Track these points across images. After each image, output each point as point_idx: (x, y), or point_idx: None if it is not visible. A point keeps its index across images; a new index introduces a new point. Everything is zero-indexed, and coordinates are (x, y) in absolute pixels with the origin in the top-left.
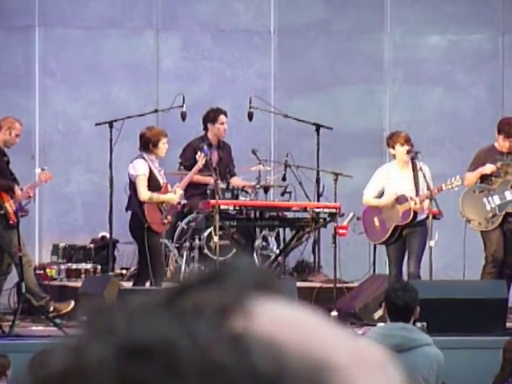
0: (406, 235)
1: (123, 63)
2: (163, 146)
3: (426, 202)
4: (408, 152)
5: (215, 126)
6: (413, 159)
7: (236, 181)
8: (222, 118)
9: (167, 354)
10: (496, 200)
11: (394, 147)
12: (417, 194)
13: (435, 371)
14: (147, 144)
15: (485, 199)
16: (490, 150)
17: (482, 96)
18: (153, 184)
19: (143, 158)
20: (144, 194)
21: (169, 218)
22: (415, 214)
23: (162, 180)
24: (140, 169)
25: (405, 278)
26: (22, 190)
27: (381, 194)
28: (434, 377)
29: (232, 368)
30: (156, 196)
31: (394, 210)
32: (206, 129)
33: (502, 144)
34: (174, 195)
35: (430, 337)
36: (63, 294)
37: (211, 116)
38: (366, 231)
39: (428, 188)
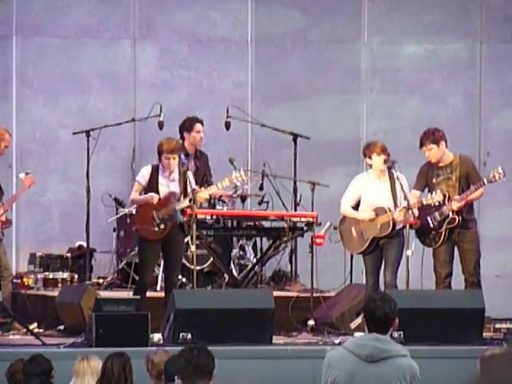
0: (382, 245)
1: (100, 72)
2: (165, 161)
3: (401, 216)
4: (385, 162)
5: (191, 134)
6: (390, 169)
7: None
8: (197, 126)
9: None
10: (437, 217)
11: (370, 157)
12: (394, 203)
13: (408, 382)
14: (157, 154)
15: (428, 218)
16: (431, 165)
17: (459, 105)
18: (149, 191)
19: (152, 165)
20: (130, 196)
21: (162, 226)
22: (394, 225)
23: (165, 190)
24: (139, 174)
25: (381, 287)
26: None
27: (358, 203)
28: None
29: None
30: (137, 197)
31: (372, 222)
32: (182, 138)
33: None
34: (152, 194)
35: (405, 348)
36: (40, 303)
37: (187, 125)
38: (343, 241)
39: (405, 198)
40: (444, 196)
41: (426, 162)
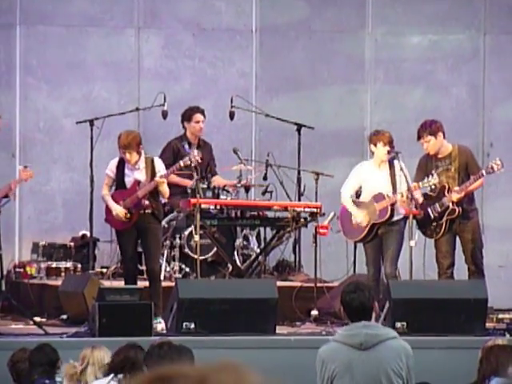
0: (381, 234)
1: (104, 61)
2: (123, 154)
3: (405, 201)
4: (388, 153)
5: (191, 124)
6: (393, 159)
7: (217, 180)
8: (197, 116)
9: None
10: (437, 208)
11: (375, 145)
12: (394, 191)
13: (405, 363)
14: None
15: (429, 209)
16: (430, 157)
17: (462, 96)
18: (117, 183)
19: (119, 157)
20: (102, 190)
21: (128, 216)
22: (392, 211)
23: (130, 180)
24: (108, 167)
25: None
26: None
27: (358, 192)
28: (405, 369)
29: None
30: (106, 199)
31: (371, 208)
32: (184, 127)
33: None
34: (119, 209)
35: (393, 330)
36: (43, 293)
37: (187, 115)
38: (344, 229)
39: (408, 189)
40: (444, 187)
41: (425, 154)
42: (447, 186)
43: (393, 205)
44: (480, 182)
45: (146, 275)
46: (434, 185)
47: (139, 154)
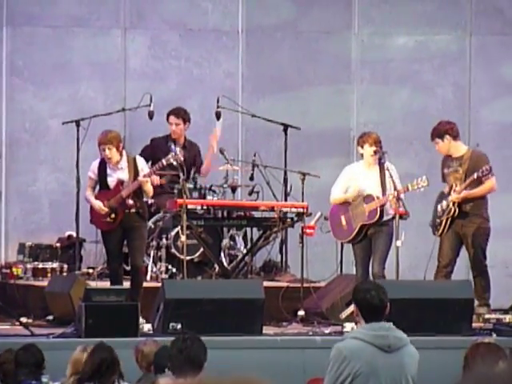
0: (371, 235)
1: (91, 62)
2: (102, 152)
3: (394, 202)
4: (375, 152)
5: (169, 126)
6: (380, 159)
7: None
8: (170, 118)
9: None
10: (444, 206)
11: (362, 146)
12: (383, 192)
13: (416, 369)
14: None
15: (438, 205)
16: (445, 158)
17: (449, 96)
18: (100, 183)
19: (101, 158)
20: (86, 192)
21: (112, 216)
22: (381, 213)
23: (113, 180)
24: (90, 169)
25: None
26: None
27: (347, 193)
28: (416, 375)
29: None
30: (89, 199)
31: (360, 209)
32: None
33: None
34: (99, 204)
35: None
36: (29, 293)
37: (166, 116)
38: (333, 230)
39: (395, 188)
40: (451, 186)
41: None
42: (452, 186)
43: (382, 206)
44: (486, 189)
45: (131, 270)
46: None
47: (121, 153)
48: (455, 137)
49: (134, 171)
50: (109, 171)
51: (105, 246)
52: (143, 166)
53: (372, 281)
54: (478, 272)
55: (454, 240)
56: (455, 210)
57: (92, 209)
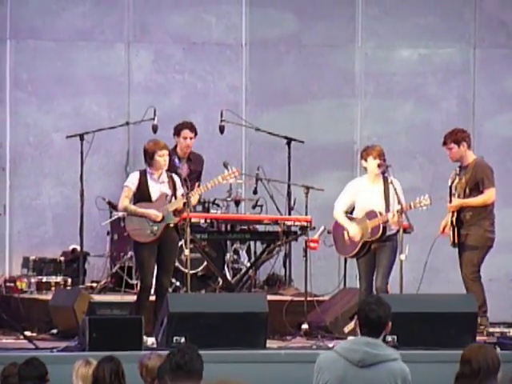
0: (374, 249)
1: (94, 76)
2: (160, 158)
3: (395, 220)
4: (378, 166)
5: (179, 139)
6: (384, 173)
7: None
8: (184, 132)
9: None
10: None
11: (366, 160)
12: (387, 207)
13: None
14: (145, 156)
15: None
16: (458, 167)
17: (453, 109)
18: (140, 195)
19: (139, 171)
20: (120, 203)
21: (155, 228)
22: (384, 229)
23: (156, 193)
24: (128, 180)
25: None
26: None
27: (351, 208)
28: None
29: None
30: (133, 208)
31: (363, 225)
32: (176, 141)
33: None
34: (154, 211)
35: (397, 352)
36: (33, 307)
37: (177, 129)
38: (336, 245)
39: (399, 202)
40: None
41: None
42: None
43: (385, 223)
44: (480, 198)
45: (156, 288)
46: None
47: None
48: (469, 146)
49: (173, 187)
50: (152, 183)
51: (139, 259)
52: (180, 184)
53: (378, 296)
54: (470, 282)
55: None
56: (453, 220)
57: (130, 219)
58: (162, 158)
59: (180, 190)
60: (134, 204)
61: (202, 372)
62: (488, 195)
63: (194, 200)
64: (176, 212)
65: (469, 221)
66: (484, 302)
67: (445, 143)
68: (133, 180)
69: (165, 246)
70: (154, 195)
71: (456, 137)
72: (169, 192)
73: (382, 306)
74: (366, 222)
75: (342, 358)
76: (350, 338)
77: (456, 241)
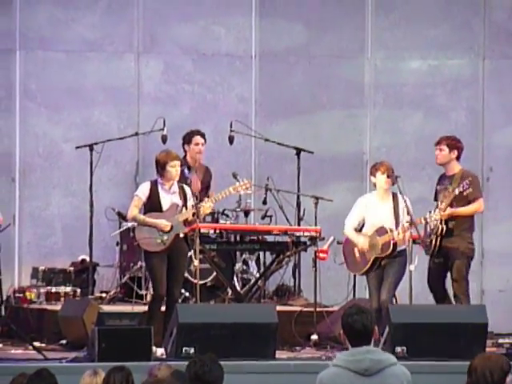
0: (384, 265)
1: (104, 86)
2: (171, 169)
3: (408, 234)
4: (388, 177)
5: (190, 146)
6: (393, 185)
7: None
8: (196, 138)
9: None
10: (432, 225)
11: (375, 175)
12: (396, 223)
13: None
14: (156, 167)
15: (427, 225)
16: (441, 176)
17: (462, 120)
18: (151, 206)
19: (151, 181)
20: (130, 212)
21: (165, 238)
22: (395, 246)
23: (167, 203)
24: (138, 189)
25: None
26: None
27: (361, 224)
28: None
29: None
30: (142, 218)
31: (373, 242)
32: (184, 151)
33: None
34: (163, 221)
35: (393, 356)
36: (42, 318)
37: (187, 137)
38: (347, 262)
39: (408, 213)
40: (429, 212)
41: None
42: (439, 204)
43: (394, 239)
44: (471, 208)
45: (167, 298)
46: (436, 220)
47: None
48: (459, 157)
49: (184, 198)
50: (163, 193)
51: (151, 269)
52: (190, 195)
53: (358, 305)
54: (455, 294)
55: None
56: (443, 228)
57: (140, 229)
58: (174, 168)
59: (191, 201)
60: (145, 214)
61: (221, 382)
62: (479, 205)
63: (206, 210)
64: (186, 222)
65: (451, 230)
66: None
67: (438, 143)
68: (143, 190)
69: (174, 257)
70: (165, 205)
71: (451, 142)
72: (180, 202)
73: (364, 314)
74: (377, 238)
75: (346, 370)
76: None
77: (434, 251)
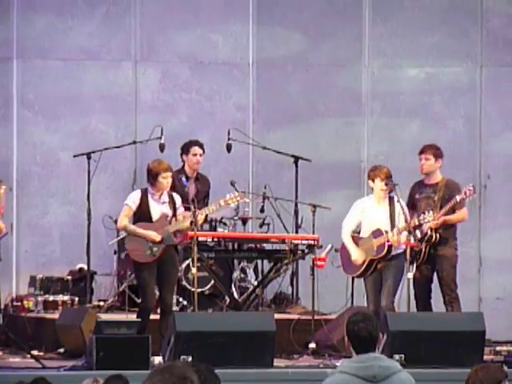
0: (381, 269)
1: (101, 95)
2: (163, 180)
3: (403, 235)
4: (386, 184)
5: (188, 157)
6: (390, 192)
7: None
8: (194, 149)
9: None
10: (418, 234)
11: (373, 180)
12: (392, 227)
13: None
14: (148, 176)
15: (411, 236)
16: (418, 184)
17: (459, 128)
18: (141, 215)
19: (141, 190)
20: (119, 222)
21: (154, 249)
22: (389, 247)
23: (157, 213)
24: (128, 199)
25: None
26: None
27: (359, 227)
28: None
29: None
30: (132, 228)
31: (369, 244)
32: (183, 161)
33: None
34: (153, 233)
35: (397, 363)
36: (40, 326)
37: (185, 148)
38: (343, 265)
39: (405, 220)
40: (423, 213)
41: (416, 181)
42: (426, 213)
43: (390, 241)
44: (460, 215)
45: (160, 307)
46: (429, 222)
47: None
48: (440, 166)
49: (173, 207)
50: (153, 203)
51: (140, 279)
52: (180, 203)
53: (363, 312)
54: (449, 300)
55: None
56: (436, 237)
57: (130, 239)
58: (166, 180)
59: (180, 210)
60: (134, 223)
61: None
62: (465, 213)
63: (198, 222)
64: (176, 232)
65: (441, 238)
66: None
67: (423, 152)
68: (134, 199)
69: (164, 266)
70: (155, 216)
71: (436, 151)
72: (169, 213)
73: (370, 321)
74: (372, 240)
75: (354, 377)
76: (349, 358)
77: (424, 259)
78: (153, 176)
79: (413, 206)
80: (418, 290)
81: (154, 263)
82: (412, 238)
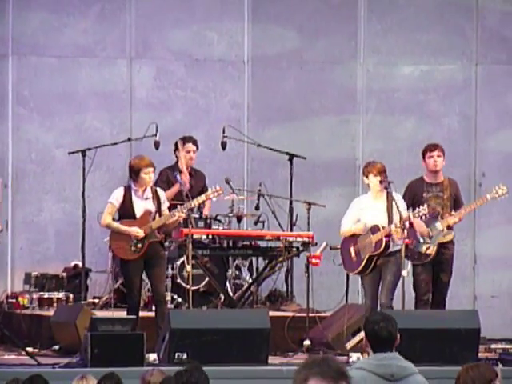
0: (380, 265)
1: (96, 92)
2: (145, 176)
3: (399, 232)
4: (380, 183)
5: (182, 153)
6: (386, 188)
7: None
8: (187, 146)
9: None
10: (429, 233)
11: (367, 176)
12: (389, 223)
13: None
14: (130, 173)
15: (417, 234)
16: (420, 183)
17: (454, 126)
18: (124, 212)
19: (124, 187)
20: (103, 219)
21: (139, 246)
22: (387, 243)
23: (140, 210)
24: (112, 196)
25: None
26: None
27: None
28: None
29: None
30: (116, 225)
31: (367, 240)
32: (176, 157)
33: (427, 165)
34: (136, 229)
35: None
36: (35, 323)
37: (178, 144)
38: (344, 262)
39: (401, 218)
40: (435, 211)
41: (414, 179)
42: (440, 212)
43: (388, 236)
44: (465, 215)
45: (154, 299)
46: (424, 215)
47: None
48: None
49: (158, 203)
50: (136, 200)
51: (125, 276)
52: (164, 198)
53: (383, 312)
54: (444, 296)
55: (424, 270)
56: (454, 235)
57: (114, 236)
58: (148, 175)
59: (165, 205)
60: (118, 220)
61: None
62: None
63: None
64: (160, 228)
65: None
66: None
67: (435, 149)
68: (117, 196)
69: (151, 261)
70: (138, 212)
71: (443, 150)
72: (153, 209)
73: (390, 322)
74: (370, 236)
75: (373, 375)
76: (356, 354)
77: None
78: (135, 172)
79: (418, 204)
80: (427, 285)
81: (139, 259)
82: (402, 232)
